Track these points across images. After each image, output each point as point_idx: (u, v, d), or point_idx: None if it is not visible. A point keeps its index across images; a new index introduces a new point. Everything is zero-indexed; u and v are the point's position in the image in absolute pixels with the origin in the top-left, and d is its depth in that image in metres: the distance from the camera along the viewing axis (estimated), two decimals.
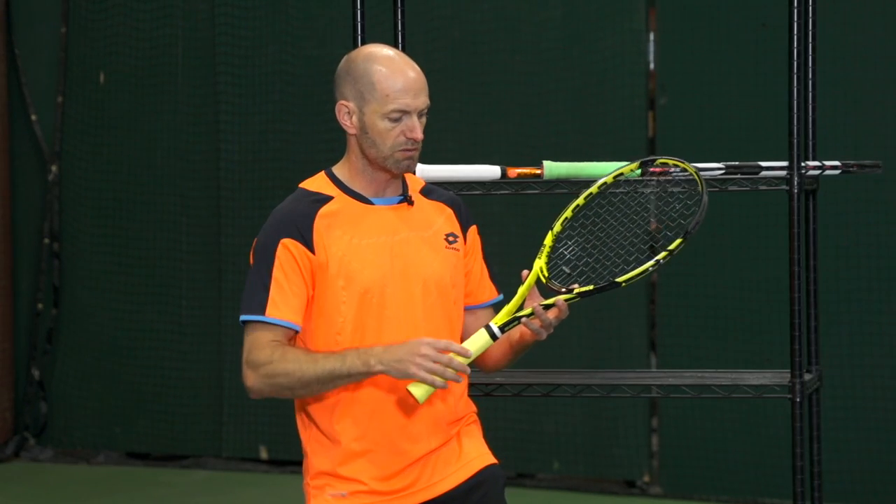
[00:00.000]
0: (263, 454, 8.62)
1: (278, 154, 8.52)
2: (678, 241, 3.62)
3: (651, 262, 3.61)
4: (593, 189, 3.78)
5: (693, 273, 7.57)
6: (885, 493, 7.32)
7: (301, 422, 3.75)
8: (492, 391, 4.95)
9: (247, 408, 8.54)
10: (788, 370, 4.76)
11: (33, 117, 9.00)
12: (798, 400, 4.70)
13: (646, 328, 7.75)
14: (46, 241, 8.97)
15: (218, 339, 8.63)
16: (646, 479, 7.80)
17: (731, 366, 7.00)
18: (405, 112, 3.63)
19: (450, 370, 3.47)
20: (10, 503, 8.16)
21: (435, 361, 3.46)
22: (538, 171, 4.81)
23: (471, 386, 4.86)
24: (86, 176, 8.92)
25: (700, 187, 3.67)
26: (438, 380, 3.46)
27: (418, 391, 3.52)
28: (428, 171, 4.81)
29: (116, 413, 8.88)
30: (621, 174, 3.83)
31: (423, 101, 3.66)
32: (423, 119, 3.68)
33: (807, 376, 4.79)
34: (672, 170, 3.86)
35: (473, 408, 3.86)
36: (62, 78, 8.94)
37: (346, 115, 3.67)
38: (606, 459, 7.86)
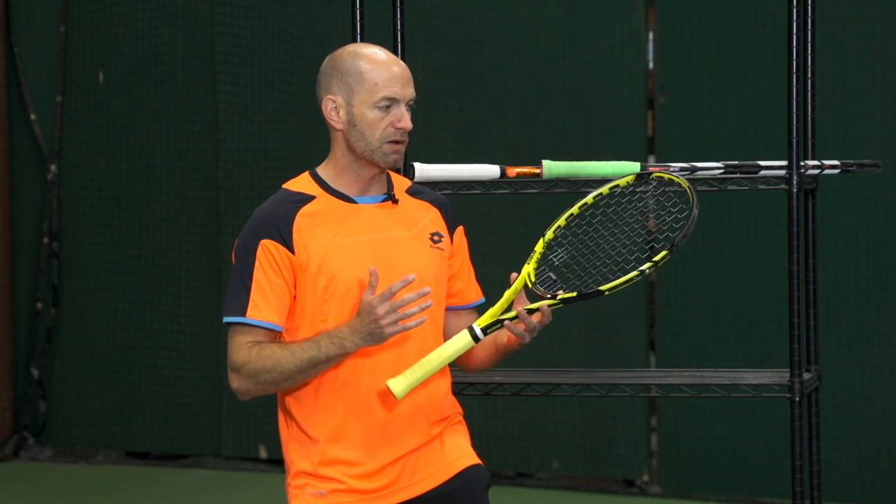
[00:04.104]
0: (263, 453, 8.62)
1: (277, 153, 8.52)
2: (664, 252, 3.62)
3: (635, 273, 3.60)
4: (588, 200, 3.79)
5: (692, 272, 7.57)
6: (885, 493, 7.32)
7: (282, 421, 3.76)
8: (491, 390, 4.95)
9: (246, 407, 8.54)
10: (787, 369, 4.76)
11: (32, 116, 9.00)
12: (797, 399, 4.70)
13: (645, 327, 7.75)
14: (45, 240, 8.97)
15: (217, 339, 8.62)
16: (645, 478, 7.80)
17: (731, 365, 7.00)
18: (394, 100, 3.65)
19: (412, 307, 3.47)
20: (9, 503, 8.15)
21: (398, 310, 3.47)
22: (537, 171, 4.81)
23: (470, 385, 4.89)
24: (85, 175, 8.92)
25: (691, 200, 3.66)
26: (411, 322, 3.47)
27: (397, 388, 3.54)
28: (427, 171, 4.80)
29: (115, 412, 8.87)
30: (616, 186, 3.83)
31: (410, 92, 3.68)
32: (409, 113, 3.69)
33: (806, 375, 4.79)
34: (667, 186, 3.84)
35: (459, 408, 3.85)
36: (61, 77, 8.93)
37: (333, 109, 3.68)
38: (606, 459, 7.86)
